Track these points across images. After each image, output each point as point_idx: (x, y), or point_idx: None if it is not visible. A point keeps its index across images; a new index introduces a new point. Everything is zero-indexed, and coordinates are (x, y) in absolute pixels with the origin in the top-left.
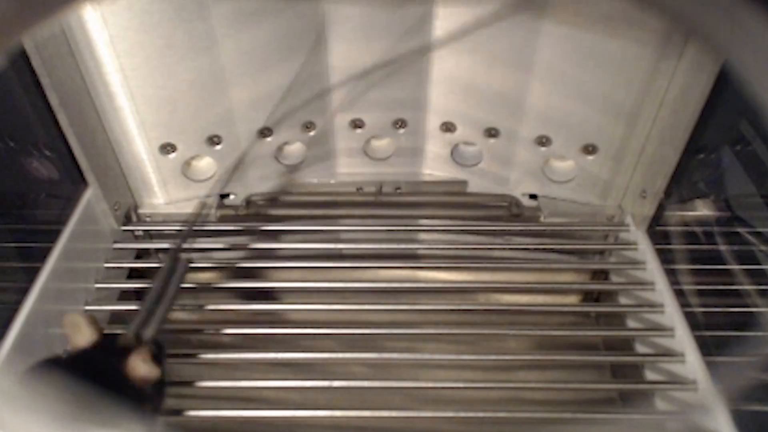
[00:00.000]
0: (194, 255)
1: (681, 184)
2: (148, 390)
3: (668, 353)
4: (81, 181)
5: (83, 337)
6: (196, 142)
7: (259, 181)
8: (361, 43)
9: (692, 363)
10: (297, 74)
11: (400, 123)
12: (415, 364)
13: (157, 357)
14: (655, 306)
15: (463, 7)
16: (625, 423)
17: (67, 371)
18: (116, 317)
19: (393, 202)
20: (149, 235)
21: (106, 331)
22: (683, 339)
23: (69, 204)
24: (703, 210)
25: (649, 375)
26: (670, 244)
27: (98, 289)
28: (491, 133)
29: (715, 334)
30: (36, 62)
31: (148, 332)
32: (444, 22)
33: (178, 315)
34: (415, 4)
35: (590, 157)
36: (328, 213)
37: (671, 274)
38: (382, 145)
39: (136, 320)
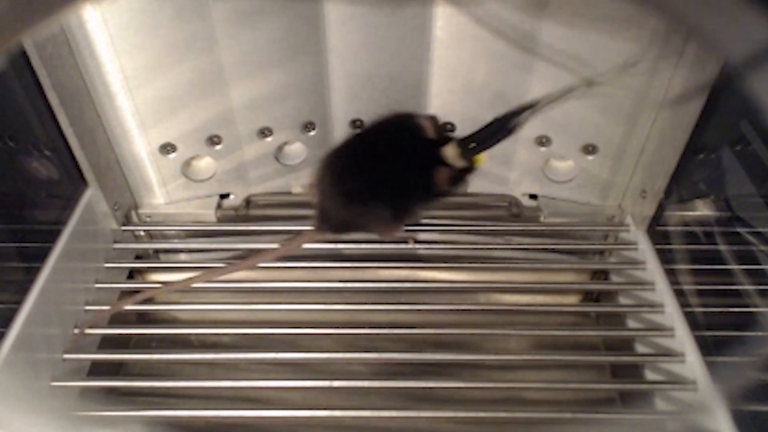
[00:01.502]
0: (194, 255)
1: (681, 184)
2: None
3: (668, 353)
4: (81, 181)
5: (429, 131)
6: (196, 142)
7: (259, 181)
8: (362, 44)
9: (692, 363)
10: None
11: None
12: (415, 363)
13: (457, 177)
14: (655, 306)
15: (462, 8)
16: (625, 423)
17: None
18: (116, 317)
19: None
20: (149, 235)
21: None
22: (683, 339)
23: (69, 204)
24: (703, 210)
25: (649, 375)
26: (670, 244)
27: (98, 289)
28: None
29: (715, 334)
30: (36, 62)
31: (469, 152)
32: (444, 22)
33: (178, 315)
34: (415, 4)
35: (590, 157)
36: None
37: (671, 274)
38: None
39: (469, 137)
